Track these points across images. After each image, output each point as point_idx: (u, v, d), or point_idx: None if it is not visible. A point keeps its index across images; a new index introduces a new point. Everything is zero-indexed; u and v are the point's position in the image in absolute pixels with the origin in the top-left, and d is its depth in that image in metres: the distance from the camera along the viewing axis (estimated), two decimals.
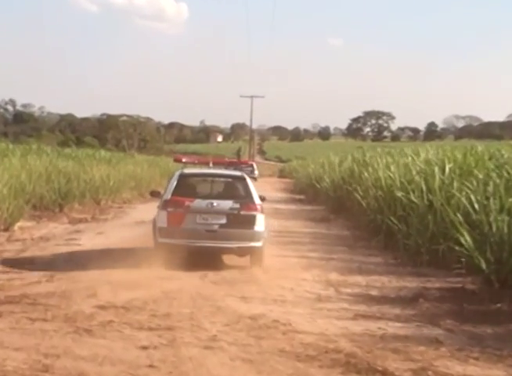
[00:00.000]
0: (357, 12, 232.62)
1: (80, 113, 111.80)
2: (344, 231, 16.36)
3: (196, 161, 15.45)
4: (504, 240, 8.82)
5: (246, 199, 10.51)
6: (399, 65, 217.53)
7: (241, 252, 10.42)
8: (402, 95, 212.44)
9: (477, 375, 5.67)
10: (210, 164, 12.59)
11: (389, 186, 14.33)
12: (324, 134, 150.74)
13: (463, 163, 13.20)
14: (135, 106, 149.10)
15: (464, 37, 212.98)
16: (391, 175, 14.64)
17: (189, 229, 10.20)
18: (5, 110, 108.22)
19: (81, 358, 5.68)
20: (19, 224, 15.02)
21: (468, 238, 9.18)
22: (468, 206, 10.01)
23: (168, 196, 10.50)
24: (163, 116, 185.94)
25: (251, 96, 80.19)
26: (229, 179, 11.36)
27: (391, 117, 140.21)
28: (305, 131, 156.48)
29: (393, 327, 7.04)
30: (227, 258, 10.87)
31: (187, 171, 11.53)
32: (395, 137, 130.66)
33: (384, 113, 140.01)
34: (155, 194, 11.67)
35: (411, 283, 9.63)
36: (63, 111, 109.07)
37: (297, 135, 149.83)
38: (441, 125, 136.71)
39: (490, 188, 10.19)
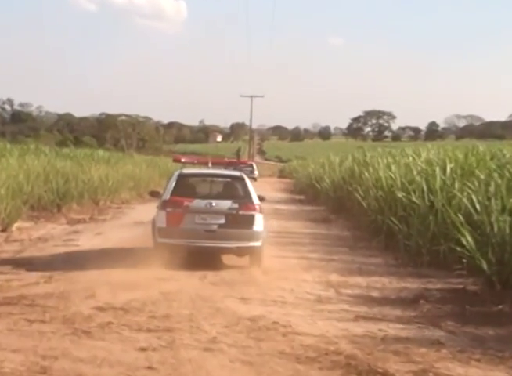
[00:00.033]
0: (357, 11, 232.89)
1: (78, 112, 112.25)
2: (345, 232, 16.35)
3: (196, 161, 15.55)
4: (506, 240, 8.82)
5: (244, 199, 10.60)
6: (400, 64, 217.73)
7: (240, 252, 10.48)
8: (402, 95, 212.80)
9: None
10: (209, 165, 12.68)
11: (390, 187, 14.33)
12: (324, 134, 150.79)
13: (465, 163, 13.21)
14: (133, 106, 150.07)
15: (465, 36, 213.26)
16: (392, 175, 14.64)
17: (188, 229, 10.28)
18: (3, 109, 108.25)
19: (80, 360, 5.68)
20: (16, 225, 15.03)
21: (469, 239, 9.18)
22: (469, 206, 10.01)
23: (167, 196, 10.59)
24: (162, 115, 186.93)
25: (251, 96, 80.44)
26: (228, 179, 11.46)
27: (391, 116, 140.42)
28: (305, 130, 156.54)
29: (394, 329, 7.03)
30: (226, 259, 10.88)
31: (186, 171, 11.60)
32: (396, 137, 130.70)
33: (384, 113, 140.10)
34: (154, 194, 11.72)
35: (412, 285, 9.63)
36: (61, 111, 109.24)
37: (297, 135, 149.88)
38: (442, 125, 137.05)
39: (492, 188, 10.18)
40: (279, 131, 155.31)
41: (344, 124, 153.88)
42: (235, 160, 23.49)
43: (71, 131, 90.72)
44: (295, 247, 13.09)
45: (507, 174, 10.95)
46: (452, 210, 10.56)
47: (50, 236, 14.06)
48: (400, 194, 13.13)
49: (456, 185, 11.46)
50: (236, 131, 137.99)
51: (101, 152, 38.22)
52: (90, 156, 32.05)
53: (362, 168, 18.96)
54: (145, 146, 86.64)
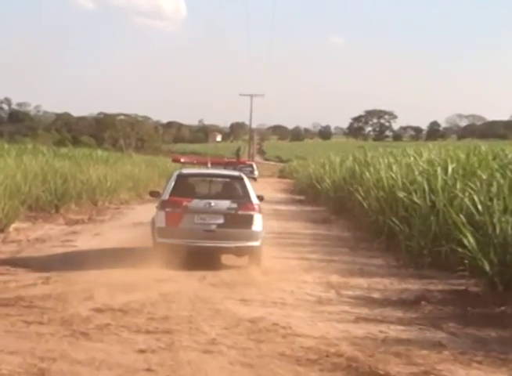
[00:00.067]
0: (358, 10, 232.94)
1: (76, 112, 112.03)
2: (345, 232, 16.35)
3: (195, 161, 15.67)
4: (508, 241, 8.83)
5: (243, 199, 10.70)
6: (401, 63, 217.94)
7: (239, 252, 10.60)
8: (404, 94, 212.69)
9: None
10: (209, 165, 12.74)
11: (391, 187, 14.33)
12: (325, 133, 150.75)
13: (467, 163, 13.21)
14: (132, 105, 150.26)
15: (467, 35, 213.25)
16: (393, 175, 14.64)
17: (187, 229, 10.39)
18: (1, 108, 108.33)
19: (78, 362, 5.68)
20: (14, 225, 15.02)
21: (471, 239, 9.18)
22: (471, 207, 10.01)
23: (166, 196, 10.70)
24: (161, 115, 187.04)
25: (251, 95, 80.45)
26: (227, 179, 11.56)
27: (392, 116, 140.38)
28: (306, 130, 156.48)
29: (395, 331, 7.03)
30: (226, 260, 10.89)
31: (185, 171, 11.71)
32: (397, 137, 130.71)
33: (385, 113, 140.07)
34: (154, 194, 11.79)
35: (413, 286, 9.63)
36: (60, 110, 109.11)
37: (297, 135, 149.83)
38: (443, 125, 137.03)
39: (494, 188, 10.19)
40: (279, 131, 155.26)
41: (344, 123, 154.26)
42: (234, 160, 23.55)
43: (69, 131, 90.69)
44: (295, 247, 13.09)
45: (509, 174, 10.95)
46: (454, 210, 10.56)
47: (48, 236, 14.05)
48: (401, 194, 13.13)
49: (458, 185, 11.47)
50: (235, 130, 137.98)
51: (99, 152, 38.26)
52: (88, 156, 32.06)
53: (362, 168, 18.97)
54: (144, 145, 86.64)
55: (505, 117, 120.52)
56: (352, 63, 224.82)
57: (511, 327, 7.24)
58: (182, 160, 13.79)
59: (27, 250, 12.16)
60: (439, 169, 12.59)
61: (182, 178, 11.11)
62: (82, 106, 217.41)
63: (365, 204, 15.81)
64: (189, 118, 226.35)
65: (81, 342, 6.26)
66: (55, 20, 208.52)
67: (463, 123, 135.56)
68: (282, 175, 61.11)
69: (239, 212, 10.50)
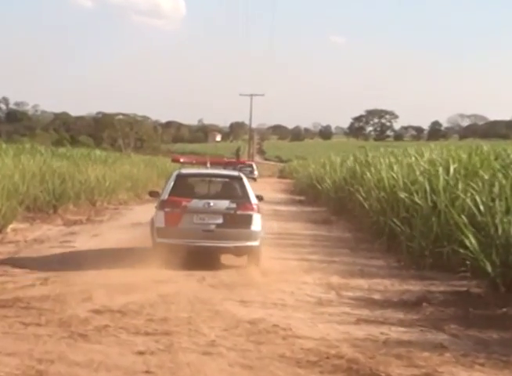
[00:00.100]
0: (359, 9, 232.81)
1: (75, 111, 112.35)
2: (346, 233, 16.35)
3: (194, 161, 15.74)
4: (510, 242, 8.83)
5: (242, 199, 10.80)
6: (402, 63, 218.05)
7: (238, 252, 10.69)
8: (405, 94, 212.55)
9: None
10: (208, 165, 12.79)
11: (392, 187, 14.32)
12: (325, 133, 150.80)
13: (468, 163, 13.21)
14: (131, 105, 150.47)
15: (469, 35, 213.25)
16: (394, 175, 14.63)
17: (187, 229, 10.49)
18: None
19: (76, 364, 5.68)
20: (12, 226, 15.02)
21: (473, 240, 9.18)
22: (473, 207, 10.01)
23: (165, 196, 10.79)
24: (160, 114, 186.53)
25: (251, 95, 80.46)
26: (226, 179, 11.67)
27: (394, 115, 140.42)
28: (306, 130, 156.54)
29: (396, 332, 7.03)
30: (225, 260, 10.90)
31: (184, 171, 11.77)
32: (398, 136, 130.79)
33: (386, 112, 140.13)
34: (154, 194, 11.88)
35: (414, 287, 9.63)
36: (58, 110, 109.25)
37: (297, 135, 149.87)
38: (445, 124, 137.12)
39: (496, 189, 10.19)
40: (279, 131, 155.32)
41: (345, 123, 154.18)
42: (234, 160, 23.53)
43: (68, 131, 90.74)
44: (295, 248, 13.09)
45: None
46: (456, 211, 10.56)
47: (46, 237, 14.06)
48: (402, 195, 13.12)
49: (460, 185, 11.46)
50: (235, 130, 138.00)
51: (98, 152, 38.27)
52: (87, 156, 32.07)
53: (363, 169, 18.97)
54: (143, 145, 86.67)
55: (507, 117, 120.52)
56: (353, 63, 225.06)
57: None
58: (182, 160, 13.85)
59: (24, 251, 12.16)
60: (441, 169, 12.59)
61: (181, 178, 11.19)
62: (80, 106, 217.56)
63: (366, 205, 15.81)
64: (189, 118, 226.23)
65: (79, 344, 6.25)
66: (53, 19, 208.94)
67: (465, 123, 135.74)
68: (282, 175, 61.15)
69: (238, 212, 10.59)
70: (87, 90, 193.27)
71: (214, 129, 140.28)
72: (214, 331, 6.78)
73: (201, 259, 10.55)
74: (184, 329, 6.84)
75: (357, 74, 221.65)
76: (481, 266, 8.93)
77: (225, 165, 15.20)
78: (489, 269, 8.76)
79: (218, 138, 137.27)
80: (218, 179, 11.84)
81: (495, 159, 13.59)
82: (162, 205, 10.68)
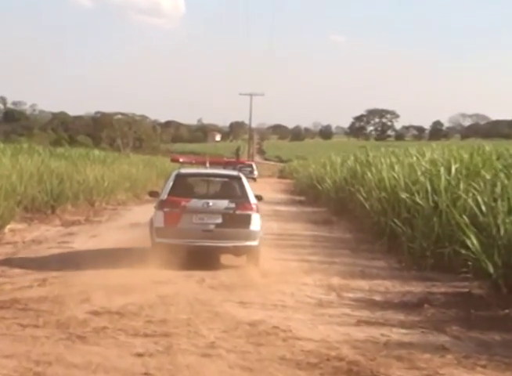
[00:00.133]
0: (360, 8, 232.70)
1: (73, 111, 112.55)
2: (347, 234, 16.35)
3: (194, 161, 15.80)
4: None
5: (241, 198, 10.89)
6: (403, 62, 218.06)
7: (237, 251, 10.78)
8: (406, 93, 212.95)
9: None
10: (207, 164, 12.84)
11: (393, 187, 14.32)
12: (326, 133, 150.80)
13: (470, 163, 13.20)
14: (130, 104, 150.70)
15: (471, 34, 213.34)
16: (395, 175, 14.63)
17: (186, 228, 10.59)
18: None
19: (74, 366, 5.68)
20: (9, 226, 15.02)
21: (475, 241, 9.17)
22: (475, 208, 10.00)
23: (165, 196, 10.89)
24: (159, 114, 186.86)
25: (250, 94, 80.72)
26: (225, 179, 11.77)
27: (395, 115, 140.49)
28: (306, 130, 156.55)
29: (397, 334, 7.03)
30: (225, 261, 10.91)
31: (183, 171, 11.83)
32: (399, 136, 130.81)
33: (387, 112, 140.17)
34: (154, 194, 11.96)
35: (416, 288, 9.63)
36: (56, 109, 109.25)
37: (297, 134, 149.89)
38: (447, 124, 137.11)
39: (498, 189, 10.17)
40: (279, 131, 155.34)
41: (345, 123, 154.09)
42: (234, 160, 23.54)
43: (66, 130, 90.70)
44: (295, 249, 13.09)
45: None
46: (457, 211, 10.56)
47: (44, 238, 14.05)
48: (403, 195, 13.12)
49: (461, 185, 11.46)
50: (235, 130, 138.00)
51: (96, 151, 38.31)
52: (85, 155, 32.09)
53: (364, 169, 18.96)
54: (141, 145, 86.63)
55: (509, 117, 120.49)
56: (353, 61, 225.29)
57: None
58: (181, 160, 13.92)
59: (22, 251, 12.16)
60: (442, 169, 12.59)
61: (180, 178, 11.27)
62: (79, 105, 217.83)
63: (366, 205, 15.80)
64: (188, 117, 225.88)
65: (77, 346, 6.25)
66: (52, 18, 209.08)
67: (467, 122, 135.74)
68: (282, 175, 61.17)
69: (237, 212, 10.69)
70: (85, 89, 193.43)
71: (214, 129, 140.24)
72: (214, 333, 6.78)
73: (200, 260, 10.56)
74: (183, 330, 6.84)
75: (358, 73, 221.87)
76: (483, 267, 8.93)
77: (225, 165, 15.25)
78: (491, 269, 8.76)
79: (218, 138, 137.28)
80: (217, 179, 11.93)
81: (497, 159, 13.58)
82: (161, 205, 10.77)
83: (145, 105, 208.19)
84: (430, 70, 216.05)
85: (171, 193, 10.85)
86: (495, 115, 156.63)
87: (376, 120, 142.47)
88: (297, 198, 31.08)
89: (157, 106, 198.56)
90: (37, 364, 5.67)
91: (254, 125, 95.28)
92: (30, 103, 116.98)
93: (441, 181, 12.06)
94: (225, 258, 11.02)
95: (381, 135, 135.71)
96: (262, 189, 21.23)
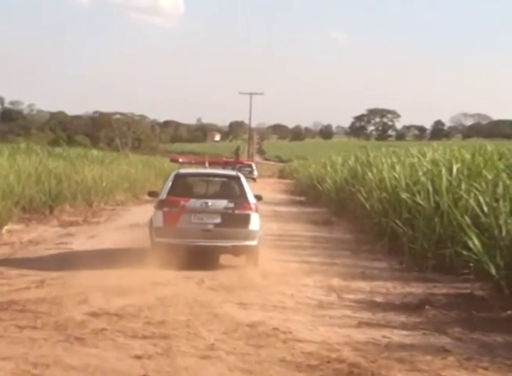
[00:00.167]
0: (361, 6, 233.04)
1: (71, 110, 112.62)
2: (347, 235, 16.36)
3: (193, 161, 15.88)
4: None
5: (240, 198, 10.97)
6: (405, 61, 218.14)
7: (236, 251, 10.85)
8: (407, 93, 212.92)
9: None
10: (206, 164, 12.89)
11: (394, 188, 14.32)
12: (326, 133, 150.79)
13: (472, 163, 13.20)
14: (128, 104, 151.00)
15: (472, 33, 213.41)
16: (396, 175, 14.64)
17: (185, 228, 10.69)
18: None
19: (72, 368, 5.67)
20: (7, 227, 15.02)
21: (477, 242, 9.17)
22: (477, 208, 9.99)
23: (164, 196, 10.99)
24: (158, 114, 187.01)
25: (250, 93, 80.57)
26: (224, 179, 11.85)
27: (395, 115, 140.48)
28: (306, 129, 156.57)
29: (398, 336, 7.03)
30: (224, 262, 10.91)
31: (182, 171, 11.93)
32: (400, 136, 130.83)
33: (388, 111, 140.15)
34: (153, 195, 12.06)
35: (417, 289, 9.63)
36: (54, 109, 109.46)
37: (297, 134, 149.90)
38: (448, 124, 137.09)
39: (500, 189, 10.17)
40: (279, 130, 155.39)
41: (346, 122, 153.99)
42: (233, 159, 23.56)
43: (64, 130, 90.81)
44: (296, 250, 13.09)
45: None
46: (459, 212, 10.56)
47: (42, 239, 14.05)
48: (404, 195, 13.12)
49: (463, 186, 11.45)
50: (234, 129, 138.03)
51: (95, 151, 38.37)
52: (83, 156, 32.11)
53: (365, 169, 18.96)
54: (140, 145, 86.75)
55: (511, 117, 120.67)
56: (354, 61, 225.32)
57: None
58: (181, 160, 13.99)
59: (20, 252, 12.17)
60: (444, 169, 12.58)
61: (179, 177, 11.37)
62: (77, 105, 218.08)
63: (367, 206, 15.80)
64: (187, 117, 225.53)
65: (75, 348, 6.25)
66: (50, 17, 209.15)
67: (468, 122, 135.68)
68: (282, 175, 61.20)
69: (236, 211, 10.77)
70: (83, 89, 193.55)
71: (213, 129, 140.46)
72: (213, 335, 6.78)
73: (200, 260, 10.56)
74: (182, 332, 6.84)
75: (358, 73, 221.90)
76: (485, 268, 8.92)
77: (224, 165, 15.25)
78: (493, 271, 8.75)
79: (217, 137, 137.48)
80: (216, 179, 12.00)
81: (499, 159, 13.58)
82: (160, 205, 10.86)
83: (144, 104, 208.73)
84: (431, 69, 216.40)
85: (170, 192, 10.94)
86: (497, 115, 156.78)
87: (377, 119, 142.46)
88: (298, 198, 31.09)
89: (156, 105, 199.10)
90: (34, 366, 5.66)
91: (253, 125, 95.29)
92: (28, 103, 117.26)
93: (442, 181, 12.05)
94: (224, 259, 11.03)
95: (382, 134, 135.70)
96: (262, 190, 21.22)
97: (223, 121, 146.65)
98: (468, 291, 9.30)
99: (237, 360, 5.99)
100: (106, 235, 14.80)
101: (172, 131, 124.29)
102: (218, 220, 10.71)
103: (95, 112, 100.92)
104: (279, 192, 35.94)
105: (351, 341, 6.75)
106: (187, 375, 5.61)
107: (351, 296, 9.02)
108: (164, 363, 5.87)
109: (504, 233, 8.98)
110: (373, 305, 8.48)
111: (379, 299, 8.91)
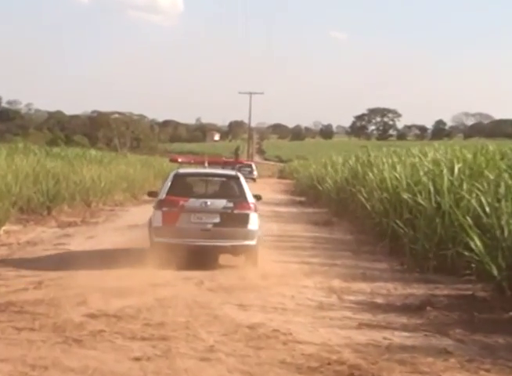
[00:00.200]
0: (362, 5, 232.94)
1: (69, 110, 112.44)
2: (348, 235, 16.36)
3: (192, 161, 15.92)
4: None
5: (239, 198, 11.04)
6: (405, 60, 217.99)
7: (235, 251, 10.92)
8: (408, 92, 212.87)
9: None
10: (206, 164, 12.91)
11: (395, 188, 14.33)
12: (326, 132, 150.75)
13: (473, 163, 13.20)
14: (127, 103, 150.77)
15: (474, 32, 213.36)
16: (397, 175, 14.64)
17: (184, 228, 10.75)
18: None
19: (70, 370, 5.67)
20: (4, 228, 15.02)
21: (478, 243, 9.17)
22: (478, 209, 10.00)
23: (163, 195, 11.05)
24: (157, 113, 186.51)
25: (250, 93, 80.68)
26: (224, 179, 11.94)
27: (396, 114, 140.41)
28: (307, 129, 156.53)
29: (399, 337, 7.03)
30: (224, 262, 10.91)
31: (182, 170, 11.99)
32: (401, 136, 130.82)
33: (389, 111, 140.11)
34: (153, 195, 12.15)
35: (418, 291, 9.63)
36: (52, 108, 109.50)
37: (297, 134, 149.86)
38: (449, 123, 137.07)
39: (502, 189, 10.17)
40: (279, 130, 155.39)
41: (347, 122, 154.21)
42: (233, 159, 23.56)
43: (62, 130, 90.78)
44: (296, 251, 13.09)
45: None
46: (460, 212, 10.56)
47: (40, 239, 14.05)
48: (406, 196, 13.12)
49: (465, 186, 11.46)
50: (234, 129, 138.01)
51: (93, 151, 38.39)
52: (82, 155, 32.13)
53: (365, 169, 18.98)
54: (139, 145, 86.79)
55: None
56: (355, 60, 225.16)
57: None
58: (180, 160, 14.00)
59: (18, 253, 12.17)
60: (445, 169, 12.59)
61: (178, 177, 11.44)
62: (75, 105, 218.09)
63: (368, 206, 15.81)
64: (186, 117, 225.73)
65: (73, 349, 6.24)
66: (48, 16, 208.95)
67: (470, 122, 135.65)
68: (282, 175, 61.22)
69: (235, 211, 10.84)
70: (82, 88, 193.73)
71: (213, 128, 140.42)
72: (213, 336, 6.78)
73: (199, 260, 10.57)
74: (182, 334, 6.84)
75: (359, 72, 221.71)
76: (487, 269, 8.93)
77: (224, 165, 15.25)
78: (495, 272, 8.76)
79: (217, 137, 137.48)
80: (216, 179, 12.10)
81: (501, 159, 13.58)
82: (160, 204, 10.93)
83: (142, 104, 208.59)
84: (432, 69, 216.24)
85: (170, 192, 11.00)
86: (499, 114, 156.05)
87: (378, 119, 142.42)
88: (298, 199, 31.09)
89: (155, 105, 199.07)
90: (32, 368, 5.66)
91: (253, 125, 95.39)
92: (26, 102, 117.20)
93: (443, 181, 12.05)
94: (223, 259, 11.03)
95: (383, 134, 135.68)
96: (262, 190, 21.22)
97: (223, 121, 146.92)
98: (470, 292, 9.30)
99: (237, 362, 5.99)
100: (105, 236, 14.80)
101: (171, 131, 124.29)
102: (217, 220, 10.77)
103: (94, 111, 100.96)
104: (279, 192, 35.95)
105: (351, 342, 6.75)
106: None
107: (352, 297, 9.02)
108: (163, 364, 5.87)
109: (506, 233, 8.98)
110: (373, 307, 8.48)
111: (380, 300, 8.92)
